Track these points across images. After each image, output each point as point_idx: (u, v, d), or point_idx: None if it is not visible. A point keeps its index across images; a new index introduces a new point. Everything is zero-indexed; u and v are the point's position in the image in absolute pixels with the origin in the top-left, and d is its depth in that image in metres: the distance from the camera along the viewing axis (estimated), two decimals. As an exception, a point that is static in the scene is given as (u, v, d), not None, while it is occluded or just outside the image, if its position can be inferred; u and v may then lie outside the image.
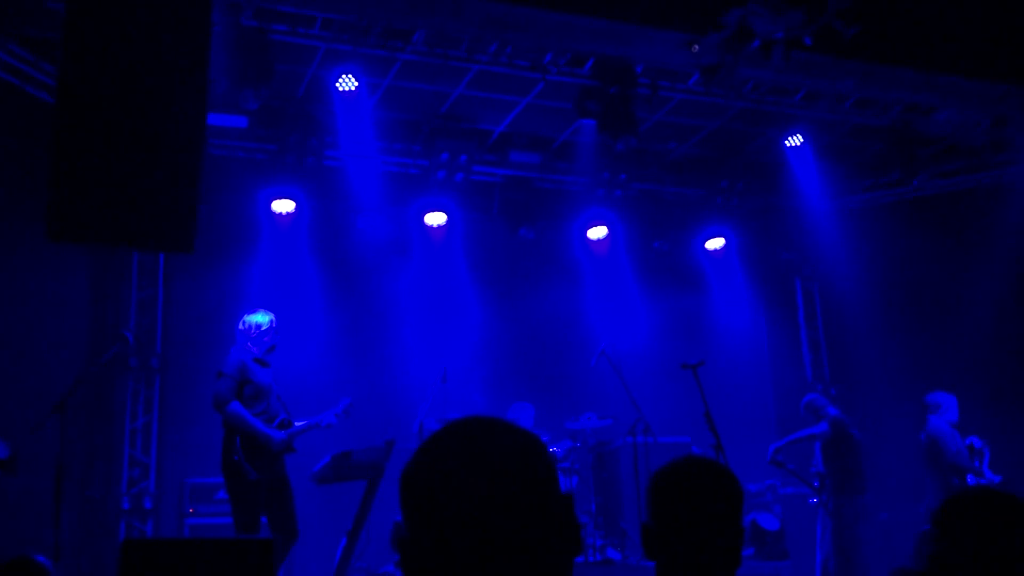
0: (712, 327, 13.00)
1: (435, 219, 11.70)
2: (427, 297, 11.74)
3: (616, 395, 9.78)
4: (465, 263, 11.95)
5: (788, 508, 11.10)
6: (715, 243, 12.92)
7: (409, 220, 11.65)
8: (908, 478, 11.16)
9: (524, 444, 1.48)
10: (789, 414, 11.93)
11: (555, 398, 11.11)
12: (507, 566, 1.39)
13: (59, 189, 5.54)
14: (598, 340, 10.27)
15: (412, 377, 10.66)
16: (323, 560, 8.63)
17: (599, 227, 12.43)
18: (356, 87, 9.81)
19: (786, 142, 11.70)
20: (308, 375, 10.37)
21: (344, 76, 9.74)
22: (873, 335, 12.31)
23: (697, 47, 7.85)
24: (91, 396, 10.16)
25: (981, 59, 9.57)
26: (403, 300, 11.64)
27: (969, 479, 10.02)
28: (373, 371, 11.17)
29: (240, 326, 7.84)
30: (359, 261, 11.43)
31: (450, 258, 11.88)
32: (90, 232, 5.82)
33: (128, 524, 10.04)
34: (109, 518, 10.11)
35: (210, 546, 6.06)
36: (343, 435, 8.41)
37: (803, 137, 11.58)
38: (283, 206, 10.92)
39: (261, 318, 7.84)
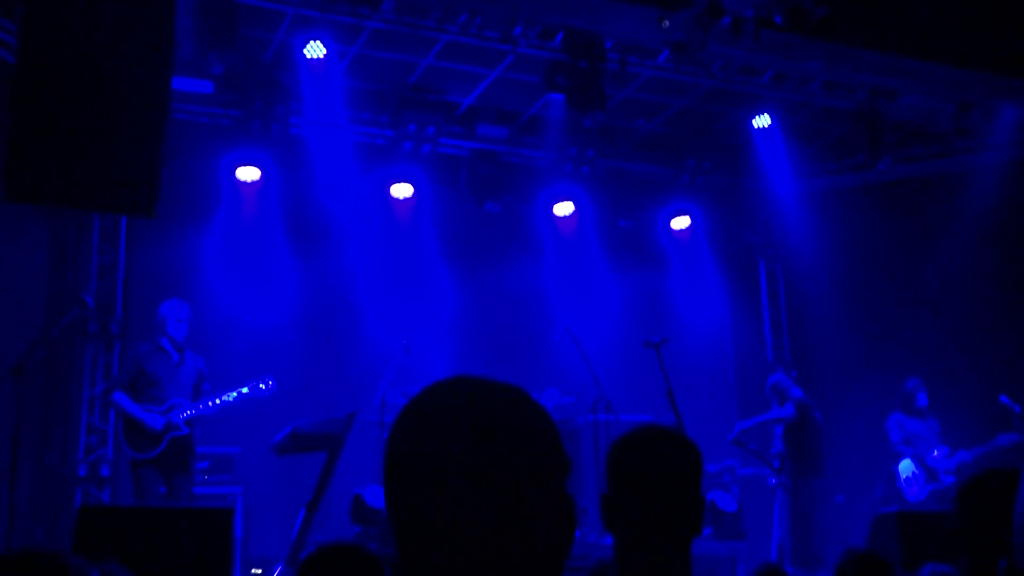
0: (676, 306, 13.02)
1: (401, 191, 11.61)
2: (391, 269, 11.67)
3: (578, 372, 9.77)
4: (430, 235, 11.88)
5: (746, 489, 11.15)
6: (680, 222, 12.91)
7: (375, 191, 11.57)
8: (863, 462, 11.29)
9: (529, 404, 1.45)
10: (750, 394, 12.01)
11: (517, 373, 11.07)
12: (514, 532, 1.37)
13: (18, 148, 5.46)
14: (562, 316, 10.28)
15: (375, 349, 10.60)
16: (282, 532, 8.59)
17: (565, 203, 12.38)
18: (324, 55, 9.69)
19: (753, 123, 11.71)
20: (270, 345, 10.31)
21: (312, 43, 9.61)
22: (834, 318, 12.40)
23: (667, 22, 7.84)
24: (49, 361, 10.03)
25: (948, 45, 9.62)
26: (367, 271, 11.56)
27: (915, 464, 10.22)
28: (336, 342, 11.12)
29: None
30: (323, 231, 11.33)
31: (415, 230, 11.80)
32: (49, 193, 5.75)
33: (85, 491, 9.92)
34: (66, 485, 10.00)
35: (167, 514, 6.03)
36: (305, 406, 8.38)
37: (771, 118, 11.59)
38: (248, 173, 10.79)
39: (166, 310, 8.25)
